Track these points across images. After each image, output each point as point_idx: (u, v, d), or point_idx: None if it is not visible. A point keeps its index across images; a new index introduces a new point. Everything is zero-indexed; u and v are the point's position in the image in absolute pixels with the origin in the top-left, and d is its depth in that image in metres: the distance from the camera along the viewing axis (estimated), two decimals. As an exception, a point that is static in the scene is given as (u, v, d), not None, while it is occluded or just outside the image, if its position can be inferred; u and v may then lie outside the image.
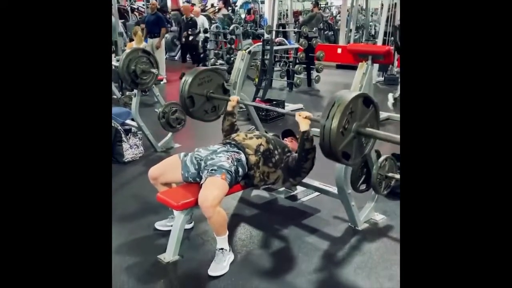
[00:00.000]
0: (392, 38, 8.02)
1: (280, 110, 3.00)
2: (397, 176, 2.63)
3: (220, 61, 9.70)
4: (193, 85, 2.84)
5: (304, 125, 2.28)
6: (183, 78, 2.86)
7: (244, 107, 4.03)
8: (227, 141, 2.47)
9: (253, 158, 2.33)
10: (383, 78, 8.26)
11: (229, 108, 2.75)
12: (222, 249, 2.21)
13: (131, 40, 7.52)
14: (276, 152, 2.43)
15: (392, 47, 6.40)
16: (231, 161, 2.28)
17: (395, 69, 8.25)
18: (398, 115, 5.49)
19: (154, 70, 3.87)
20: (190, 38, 9.45)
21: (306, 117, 2.28)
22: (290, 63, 7.59)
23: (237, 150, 2.36)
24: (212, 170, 2.22)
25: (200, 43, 9.64)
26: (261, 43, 6.31)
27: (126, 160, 3.79)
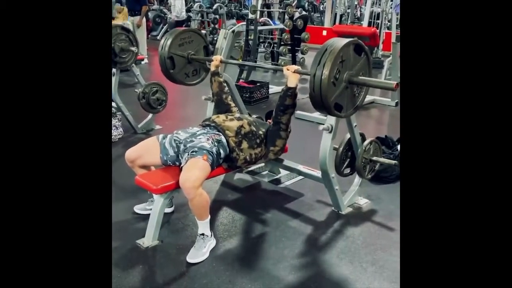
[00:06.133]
0: (378, 20, 7.95)
1: (266, 65, 2.88)
2: (382, 160, 2.61)
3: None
4: (174, 45, 2.71)
5: (292, 80, 2.18)
6: (163, 39, 2.74)
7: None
8: (206, 123, 2.39)
9: (233, 140, 2.26)
10: (368, 61, 8.21)
11: (212, 68, 2.66)
12: (203, 234, 2.15)
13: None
14: (260, 132, 2.37)
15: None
16: (212, 142, 2.21)
17: (380, 52, 8.21)
18: (383, 99, 5.48)
19: (133, 48, 3.73)
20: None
21: (295, 71, 2.18)
22: (275, 44, 7.47)
23: (217, 132, 2.29)
24: (193, 151, 2.15)
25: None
26: (245, 23, 6.17)
27: (104, 142, 3.67)
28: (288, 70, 2.20)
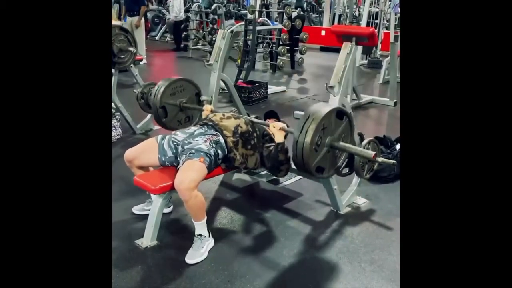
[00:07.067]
0: (376, 20, 7.95)
1: (256, 120, 2.66)
2: (380, 159, 2.60)
3: (201, 42, 9.49)
4: (165, 95, 2.75)
5: (279, 137, 2.25)
6: (155, 87, 2.76)
7: (225, 88, 3.94)
8: (204, 122, 2.39)
9: (231, 140, 2.26)
10: (367, 61, 8.22)
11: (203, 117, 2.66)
12: (200, 235, 2.15)
13: None
14: (255, 134, 2.37)
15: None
16: (209, 144, 2.20)
17: (379, 52, 8.22)
18: (382, 99, 5.49)
19: (131, 49, 3.73)
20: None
21: (280, 129, 2.24)
22: (273, 45, 7.47)
23: (215, 133, 2.28)
24: (190, 153, 2.15)
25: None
26: (243, 23, 6.18)
27: (103, 142, 3.66)
28: (274, 127, 2.26)
